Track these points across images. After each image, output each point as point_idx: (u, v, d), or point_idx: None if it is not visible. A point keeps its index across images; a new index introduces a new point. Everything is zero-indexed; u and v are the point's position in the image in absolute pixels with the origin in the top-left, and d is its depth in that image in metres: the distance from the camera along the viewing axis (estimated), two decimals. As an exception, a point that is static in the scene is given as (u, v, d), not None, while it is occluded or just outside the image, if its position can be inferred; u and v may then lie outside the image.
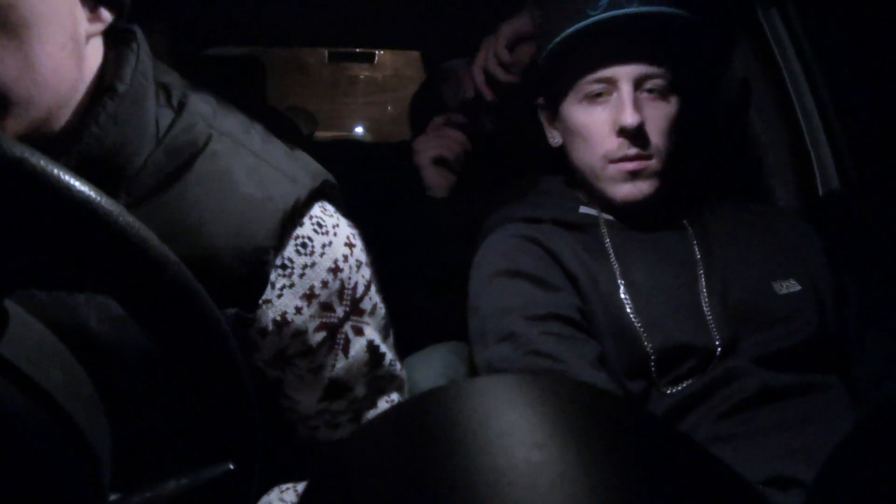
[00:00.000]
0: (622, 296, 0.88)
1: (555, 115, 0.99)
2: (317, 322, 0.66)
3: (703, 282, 0.90)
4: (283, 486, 0.74)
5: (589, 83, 0.91)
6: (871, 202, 1.13)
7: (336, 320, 0.68)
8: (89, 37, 0.56)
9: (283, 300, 0.63)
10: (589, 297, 0.88)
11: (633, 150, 0.89)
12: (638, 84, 0.89)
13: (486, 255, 0.96)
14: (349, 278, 0.68)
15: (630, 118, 0.87)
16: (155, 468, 0.62)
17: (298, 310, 0.64)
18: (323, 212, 0.67)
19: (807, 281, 0.90)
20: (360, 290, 0.70)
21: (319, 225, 0.66)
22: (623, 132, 0.88)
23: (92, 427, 0.39)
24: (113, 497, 0.40)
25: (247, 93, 2.11)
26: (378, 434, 0.39)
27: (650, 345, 0.85)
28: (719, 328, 0.86)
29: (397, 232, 1.34)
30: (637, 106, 0.88)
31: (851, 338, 0.90)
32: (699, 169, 1.01)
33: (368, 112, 6.28)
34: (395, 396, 0.78)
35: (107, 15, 0.57)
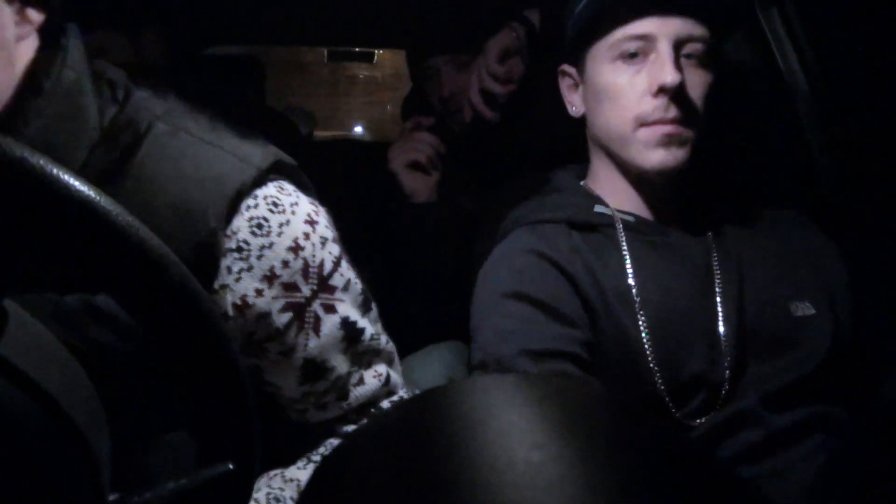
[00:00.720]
0: (637, 314, 0.83)
1: (579, 80, 0.95)
2: (281, 303, 0.65)
3: (718, 299, 0.86)
4: (271, 473, 0.73)
5: (624, 40, 0.85)
6: (870, 202, 1.13)
7: (303, 300, 0.67)
8: (19, 39, 0.56)
9: (241, 284, 0.63)
10: (601, 319, 0.84)
11: (671, 113, 0.83)
12: (678, 45, 0.83)
13: (496, 269, 0.90)
14: (313, 256, 0.67)
15: (671, 76, 0.81)
16: (155, 468, 0.62)
17: (259, 292, 0.64)
18: (279, 191, 0.66)
19: (823, 303, 0.87)
20: (328, 266, 0.69)
21: (275, 204, 0.65)
22: (662, 91, 0.82)
23: (91, 427, 0.39)
24: (112, 497, 0.40)
25: (246, 92, 2.11)
26: (377, 433, 0.39)
27: (661, 380, 0.81)
28: (730, 354, 0.83)
29: (396, 231, 1.34)
30: (678, 66, 0.82)
31: (869, 358, 0.87)
32: (717, 172, 0.98)
33: (368, 111, 6.28)
34: (382, 369, 0.76)
35: (35, 16, 0.57)
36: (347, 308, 0.72)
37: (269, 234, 0.64)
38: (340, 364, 0.72)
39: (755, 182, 1.23)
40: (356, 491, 0.35)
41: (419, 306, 1.26)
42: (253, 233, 0.63)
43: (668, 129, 0.84)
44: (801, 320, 0.85)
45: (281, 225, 0.65)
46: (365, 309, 0.76)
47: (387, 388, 0.77)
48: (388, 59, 5.91)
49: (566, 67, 0.97)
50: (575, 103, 0.96)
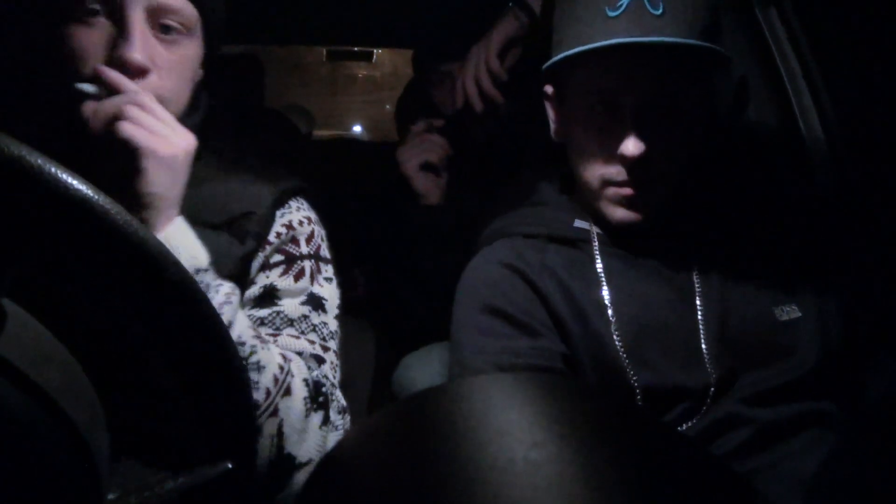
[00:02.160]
0: (613, 332, 0.82)
1: (560, 110, 0.92)
2: (281, 248, 0.86)
3: (699, 309, 0.84)
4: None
5: (592, 92, 0.83)
6: (869, 201, 1.13)
7: (297, 254, 0.87)
8: (195, 80, 0.85)
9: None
10: (575, 336, 0.83)
11: (634, 177, 0.82)
12: (644, 106, 0.80)
13: (471, 281, 0.91)
14: (316, 234, 0.91)
15: (632, 148, 0.79)
16: (153, 467, 0.62)
17: (278, 235, 0.86)
18: (303, 199, 0.94)
19: (809, 305, 0.85)
20: (322, 252, 0.91)
21: (297, 198, 0.92)
22: (624, 160, 0.81)
23: (89, 426, 0.39)
24: (111, 496, 0.40)
25: (245, 91, 2.11)
26: (376, 432, 0.39)
27: (639, 391, 0.80)
28: (714, 364, 0.81)
29: (395, 230, 1.34)
30: (642, 132, 0.79)
31: (859, 359, 0.86)
32: (699, 177, 0.96)
33: (367, 111, 6.28)
34: (320, 354, 0.84)
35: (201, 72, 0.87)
36: (324, 292, 0.88)
37: (288, 209, 0.90)
38: (290, 308, 0.84)
39: (744, 184, 1.22)
40: (355, 489, 0.35)
41: (420, 305, 1.26)
42: (278, 210, 0.89)
43: (630, 191, 0.83)
44: (788, 324, 0.83)
45: (298, 208, 0.91)
46: (334, 314, 0.89)
47: (316, 366, 0.82)
48: (386, 59, 5.91)
49: (549, 89, 0.94)
50: (556, 130, 0.94)
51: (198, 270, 0.71)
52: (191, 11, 0.79)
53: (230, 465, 0.42)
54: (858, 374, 0.86)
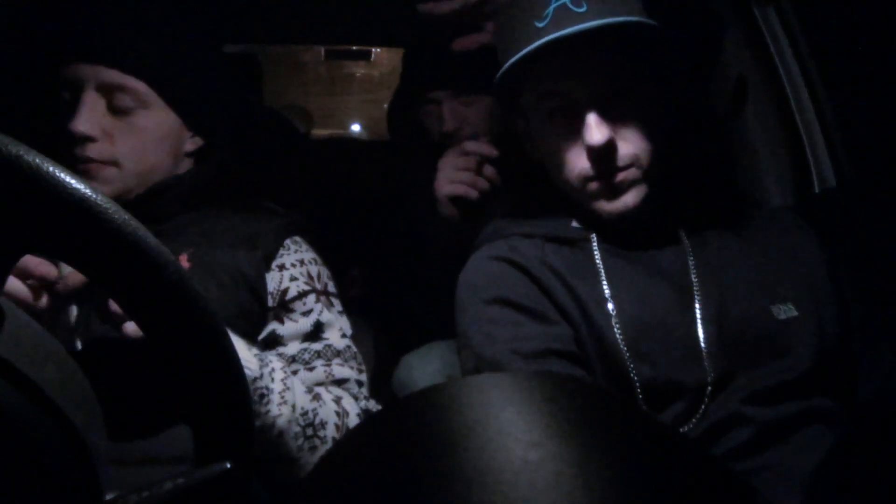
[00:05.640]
0: (614, 326, 0.83)
1: (526, 128, 0.94)
2: (305, 278, 0.98)
3: (698, 307, 0.84)
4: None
5: (549, 101, 0.85)
6: (867, 200, 1.13)
7: (321, 287, 1.00)
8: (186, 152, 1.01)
9: (285, 257, 0.99)
10: (577, 329, 0.84)
11: (610, 165, 0.83)
12: (600, 97, 0.82)
13: (473, 277, 0.91)
14: (324, 273, 1.03)
15: (595, 137, 0.80)
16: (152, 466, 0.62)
17: (293, 264, 0.98)
18: (302, 237, 1.04)
19: (807, 304, 0.85)
20: (330, 288, 1.03)
21: (295, 241, 1.02)
22: (591, 151, 0.82)
23: (88, 425, 0.39)
24: (110, 496, 0.40)
25: (243, 91, 2.11)
26: (375, 431, 0.39)
27: (640, 389, 0.81)
28: (712, 361, 0.81)
29: (393, 231, 1.34)
30: (603, 120, 0.81)
31: (856, 356, 0.86)
32: (694, 174, 0.95)
33: (365, 110, 6.27)
34: (357, 374, 0.99)
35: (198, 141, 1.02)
36: (342, 324, 1.01)
37: (300, 246, 1.02)
38: (336, 340, 0.98)
39: (741, 182, 1.22)
40: (355, 488, 0.35)
41: (418, 304, 1.25)
42: (287, 248, 1.00)
43: (612, 179, 0.84)
44: (785, 323, 0.84)
45: (303, 245, 1.02)
46: (345, 337, 1.02)
47: (357, 389, 0.98)
48: (384, 58, 5.91)
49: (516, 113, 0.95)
50: (529, 148, 0.95)
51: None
52: (143, 88, 0.90)
53: (230, 465, 0.42)
54: (855, 373, 0.86)
